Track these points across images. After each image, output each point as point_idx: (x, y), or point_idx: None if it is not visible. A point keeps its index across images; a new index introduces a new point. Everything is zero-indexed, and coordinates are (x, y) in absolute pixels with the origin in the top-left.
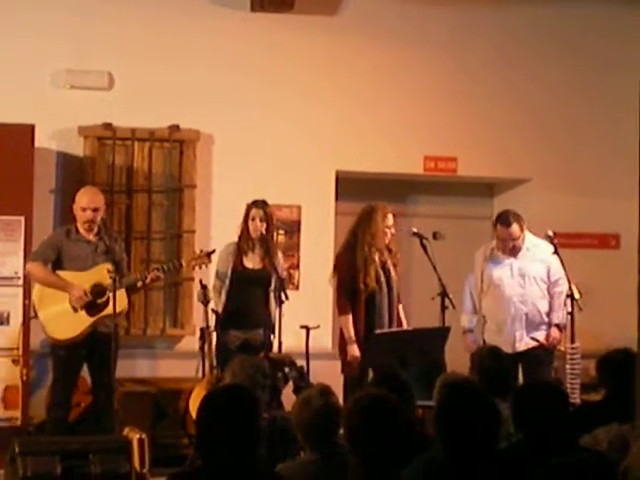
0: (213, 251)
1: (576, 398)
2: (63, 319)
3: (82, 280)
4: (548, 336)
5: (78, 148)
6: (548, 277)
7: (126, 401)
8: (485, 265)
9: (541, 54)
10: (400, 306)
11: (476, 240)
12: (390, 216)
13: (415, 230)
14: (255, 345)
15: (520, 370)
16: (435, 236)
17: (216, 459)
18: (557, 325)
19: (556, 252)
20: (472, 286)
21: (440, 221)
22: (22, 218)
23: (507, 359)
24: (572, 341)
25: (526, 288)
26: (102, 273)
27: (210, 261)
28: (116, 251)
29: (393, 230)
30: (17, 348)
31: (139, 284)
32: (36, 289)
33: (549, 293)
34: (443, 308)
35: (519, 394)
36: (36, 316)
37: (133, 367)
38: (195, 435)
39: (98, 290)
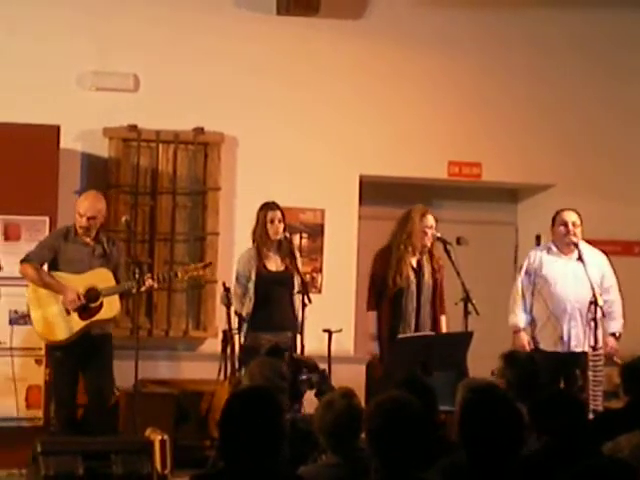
0: (209, 264)
1: (598, 405)
2: (55, 321)
3: (77, 283)
4: (605, 345)
5: (103, 149)
6: (601, 283)
7: (148, 402)
8: (539, 266)
9: (564, 61)
10: (443, 317)
11: (499, 246)
12: (430, 217)
13: (439, 235)
14: (285, 348)
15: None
16: (459, 241)
17: (238, 462)
18: (613, 334)
19: (580, 259)
20: (525, 286)
21: (464, 226)
22: (47, 219)
23: (540, 364)
24: (595, 348)
25: (581, 287)
26: (97, 277)
27: (205, 274)
28: (114, 255)
29: (434, 231)
30: (40, 348)
31: (133, 290)
32: (31, 288)
33: (603, 300)
34: (466, 313)
35: (537, 405)
36: (28, 316)
37: (155, 369)
38: (218, 437)
39: (92, 294)
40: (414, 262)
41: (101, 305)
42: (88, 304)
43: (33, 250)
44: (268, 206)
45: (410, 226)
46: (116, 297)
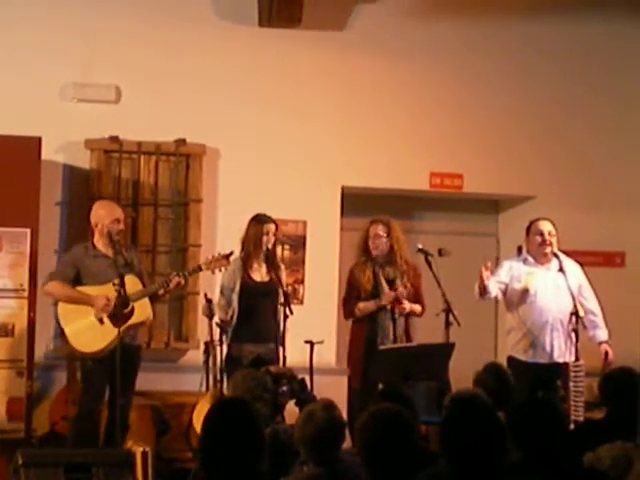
0: (231, 253)
1: (579, 416)
2: (89, 332)
3: (105, 292)
4: (607, 355)
5: (84, 161)
6: (580, 292)
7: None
8: (518, 276)
9: (544, 75)
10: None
11: (481, 257)
12: (373, 226)
13: (420, 246)
14: (267, 360)
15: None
16: (440, 252)
17: (218, 473)
18: (607, 342)
19: (561, 270)
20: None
21: (445, 237)
22: (28, 230)
23: (509, 376)
24: (576, 359)
25: (562, 298)
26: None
27: (229, 262)
28: (135, 263)
29: (383, 239)
30: (22, 360)
31: (161, 292)
32: (60, 306)
33: (584, 310)
34: (447, 324)
35: (515, 413)
36: (62, 332)
37: (137, 380)
38: (198, 448)
39: (122, 300)
40: (380, 273)
41: (132, 310)
42: (120, 310)
43: (56, 268)
44: (265, 218)
45: (362, 241)
46: (147, 300)
